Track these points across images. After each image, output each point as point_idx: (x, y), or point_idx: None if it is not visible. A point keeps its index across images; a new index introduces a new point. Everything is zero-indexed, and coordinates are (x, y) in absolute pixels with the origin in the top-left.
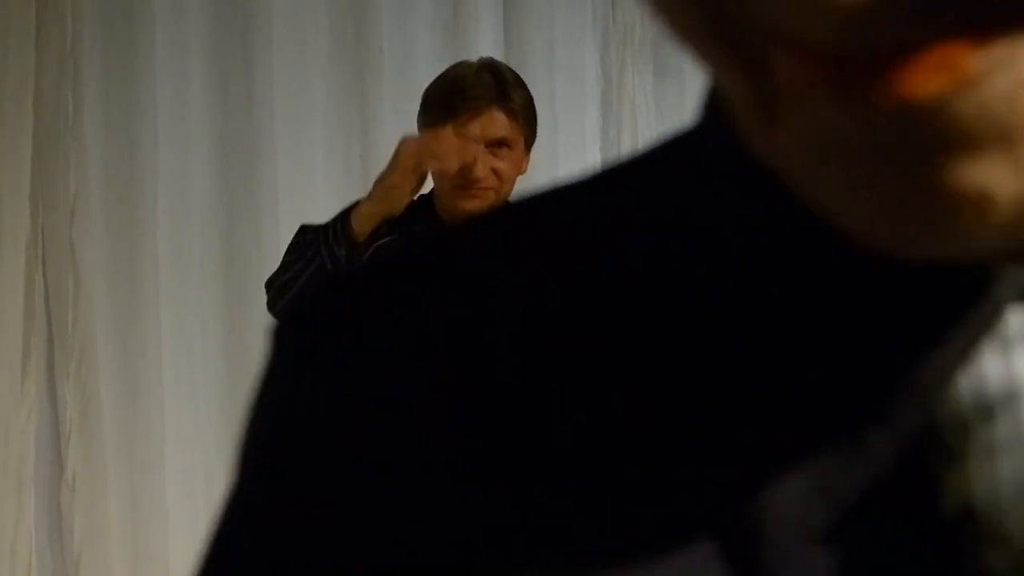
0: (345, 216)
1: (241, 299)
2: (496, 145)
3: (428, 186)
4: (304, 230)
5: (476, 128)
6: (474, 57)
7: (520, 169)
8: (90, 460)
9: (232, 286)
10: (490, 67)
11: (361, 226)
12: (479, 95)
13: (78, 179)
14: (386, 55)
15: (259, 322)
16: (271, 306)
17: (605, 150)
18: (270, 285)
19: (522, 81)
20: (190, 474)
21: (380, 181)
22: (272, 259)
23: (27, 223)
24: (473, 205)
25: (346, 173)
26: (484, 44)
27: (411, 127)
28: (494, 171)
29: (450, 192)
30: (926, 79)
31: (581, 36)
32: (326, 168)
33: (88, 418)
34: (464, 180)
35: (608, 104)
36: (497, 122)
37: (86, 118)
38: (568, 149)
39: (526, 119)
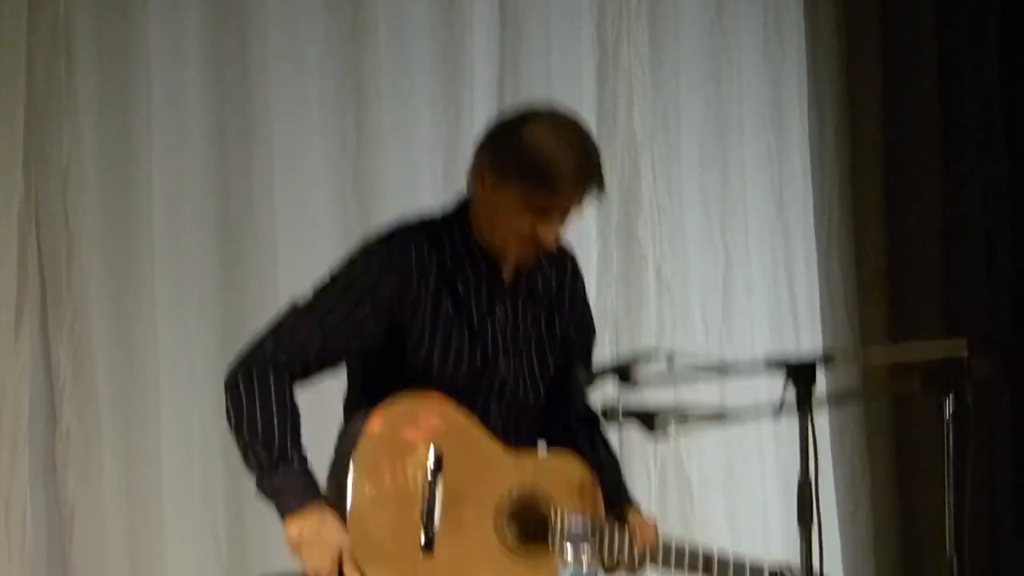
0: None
1: (236, 258)
2: (566, 215)
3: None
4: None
5: (562, 205)
6: (470, 32)
7: None
8: (84, 415)
9: (227, 246)
10: (590, 154)
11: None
12: (577, 185)
13: (71, 144)
14: (380, 26)
15: (254, 281)
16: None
17: (600, 120)
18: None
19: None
20: (184, 428)
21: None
22: (265, 220)
23: (20, 186)
24: (529, 261)
25: (340, 116)
26: (480, 15)
27: (403, 97)
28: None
29: (512, 249)
30: None
31: (577, 6)
32: (321, 123)
33: (82, 376)
34: (532, 245)
35: (604, 75)
36: (582, 199)
37: (79, 84)
38: None
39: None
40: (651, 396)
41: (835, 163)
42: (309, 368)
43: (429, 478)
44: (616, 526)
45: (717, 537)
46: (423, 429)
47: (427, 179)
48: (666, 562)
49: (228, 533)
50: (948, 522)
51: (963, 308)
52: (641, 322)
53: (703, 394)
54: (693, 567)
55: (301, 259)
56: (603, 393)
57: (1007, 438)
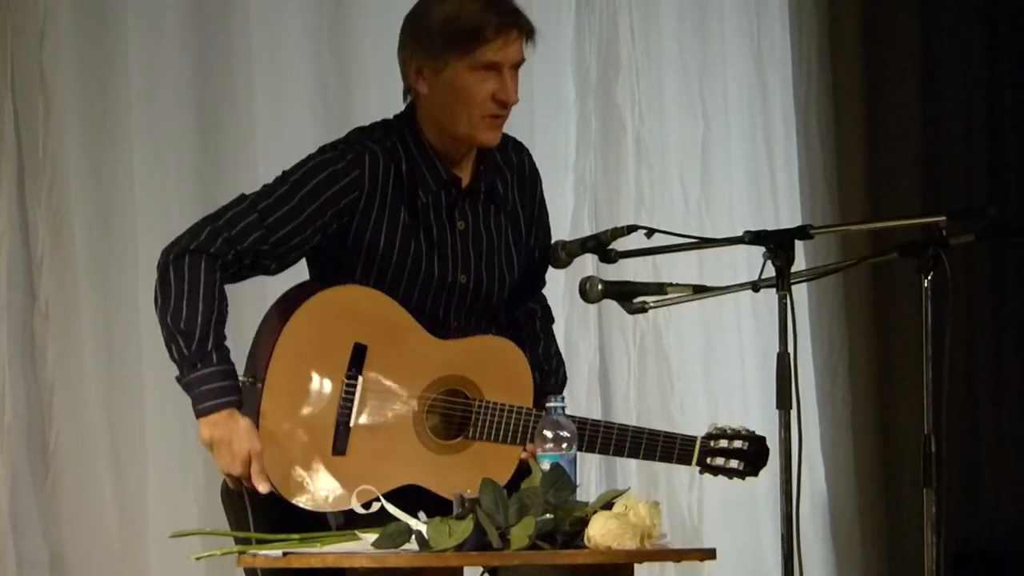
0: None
1: (213, 119)
2: (514, 69)
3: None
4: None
5: (511, 52)
6: None
7: None
8: (63, 287)
9: (204, 106)
10: None
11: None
12: (506, 19)
13: (47, 5)
14: None
15: (231, 141)
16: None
17: (579, 70)
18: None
19: None
20: None
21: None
22: (243, 78)
23: None
24: (493, 137)
25: None
26: None
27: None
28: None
29: (478, 123)
30: None
31: None
32: None
33: (60, 244)
34: (498, 108)
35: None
36: (519, 44)
37: None
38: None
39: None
40: (629, 270)
41: (813, 18)
42: (242, 260)
43: (345, 378)
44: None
45: (695, 412)
46: (346, 324)
47: None
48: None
49: None
50: (926, 396)
51: (942, 176)
52: (620, 189)
53: (681, 267)
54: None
55: (278, 119)
56: (581, 267)
57: (987, 310)
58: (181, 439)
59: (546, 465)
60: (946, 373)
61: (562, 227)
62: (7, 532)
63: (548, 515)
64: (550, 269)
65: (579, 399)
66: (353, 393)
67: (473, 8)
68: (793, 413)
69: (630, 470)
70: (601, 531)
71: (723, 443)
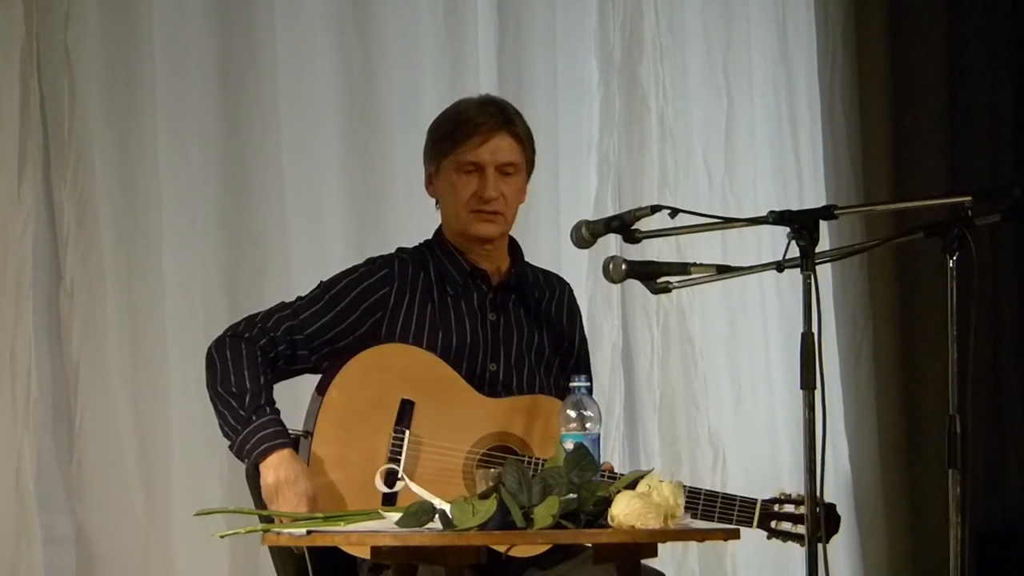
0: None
1: (237, 101)
2: (503, 172)
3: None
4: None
5: (486, 153)
6: None
7: (521, 198)
8: (88, 266)
9: (229, 88)
10: (492, 100)
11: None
12: (486, 122)
13: None
14: None
15: (256, 122)
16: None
17: (603, 50)
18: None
19: (520, 113)
20: (188, 277)
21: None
22: (267, 62)
23: (21, 27)
24: (487, 229)
25: None
26: None
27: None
28: (503, 196)
29: (466, 218)
30: None
31: None
32: None
33: (85, 224)
34: (479, 204)
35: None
36: (504, 147)
37: None
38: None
39: (528, 145)
40: (653, 250)
41: (839, 1)
42: (276, 346)
43: (393, 432)
44: None
45: (719, 392)
46: (394, 379)
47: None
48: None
49: None
50: (951, 376)
51: (967, 156)
52: (644, 169)
53: (705, 248)
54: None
55: (302, 98)
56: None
57: (1012, 291)
58: (205, 417)
59: (569, 445)
60: (971, 354)
61: (586, 207)
62: (33, 510)
63: (572, 495)
64: (573, 249)
65: (602, 380)
66: (401, 447)
67: (460, 112)
68: (817, 393)
69: (653, 450)
70: (625, 511)
71: (789, 508)
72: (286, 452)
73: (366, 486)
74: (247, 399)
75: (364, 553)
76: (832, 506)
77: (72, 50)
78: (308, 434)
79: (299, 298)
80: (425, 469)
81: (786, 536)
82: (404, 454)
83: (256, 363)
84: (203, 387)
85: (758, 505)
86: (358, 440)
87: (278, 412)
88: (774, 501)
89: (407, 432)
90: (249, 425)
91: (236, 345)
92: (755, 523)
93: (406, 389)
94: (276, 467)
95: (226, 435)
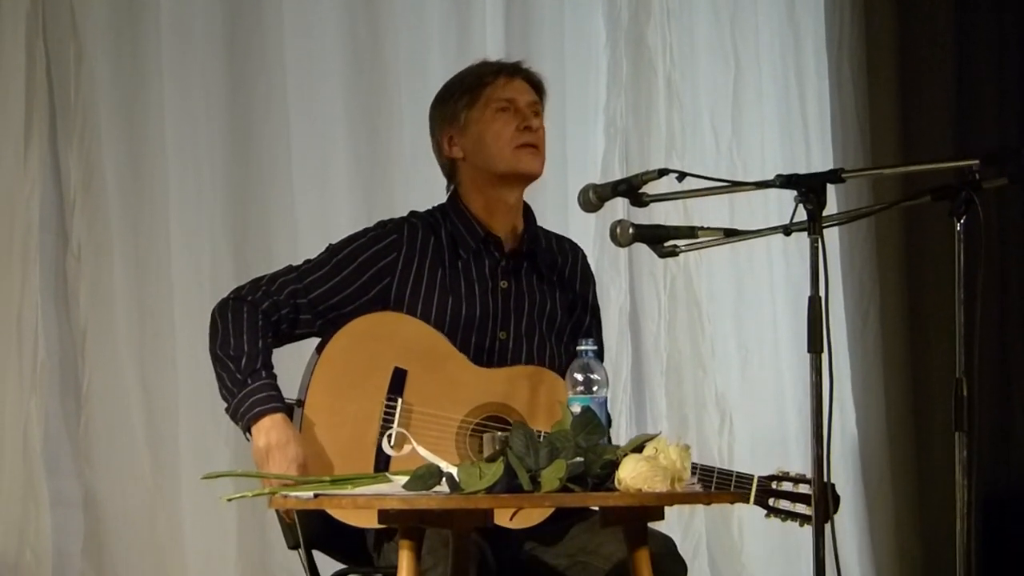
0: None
1: (243, 64)
2: (532, 111)
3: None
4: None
5: (515, 91)
6: None
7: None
8: (95, 230)
9: (235, 51)
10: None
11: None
12: (505, 66)
13: None
14: None
15: (262, 84)
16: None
17: (610, 13)
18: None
19: None
20: (195, 240)
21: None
22: (273, 25)
23: None
24: (534, 164)
25: None
26: None
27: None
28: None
29: (512, 156)
30: None
31: None
32: None
33: (92, 188)
34: (524, 137)
35: None
36: (526, 88)
37: None
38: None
39: (543, 95)
40: (660, 214)
41: None
42: (279, 309)
43: (385, 400)
44: None
45: (726, 356)
46: (386, 348)
47: None
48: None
49: None
50: (958, 340)
51: (974, 119)
52: (651, 132)
53: (712, 211)
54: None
55: (309, 61)
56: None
57: (1019, 254)
58: (212, 380)
59: (576, 408)
60: (978, 317)
61: (593, 170)
62: (40, 473)
63: (579, 458)
64: (580, 212)
65: (610, 343)
66: (393, 415)
67: (474, 67)
68: (824, 357)
69: (660, 414)
70: (632, 474)
71: (787, 486)
72: (278, 416)
73: (356, 454)
74: (243, 362)
75: (370, 520)
76: (832, 485)
77: (78, 14)
78: (300, 402)
79: (306, 262)
80: (417, 438)
81: (785, 515)
82: (396, 422)
83: (256, 327)
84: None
85: (755, 481)
86: (350, 408)
87: (274, 377)
88: (772, 478)
89: (400, 400)
90: (244, 388)
91: (238, 308)
92: (751, 499)
93: (399, 358)
94: (267, 431)
95: (223, 398)
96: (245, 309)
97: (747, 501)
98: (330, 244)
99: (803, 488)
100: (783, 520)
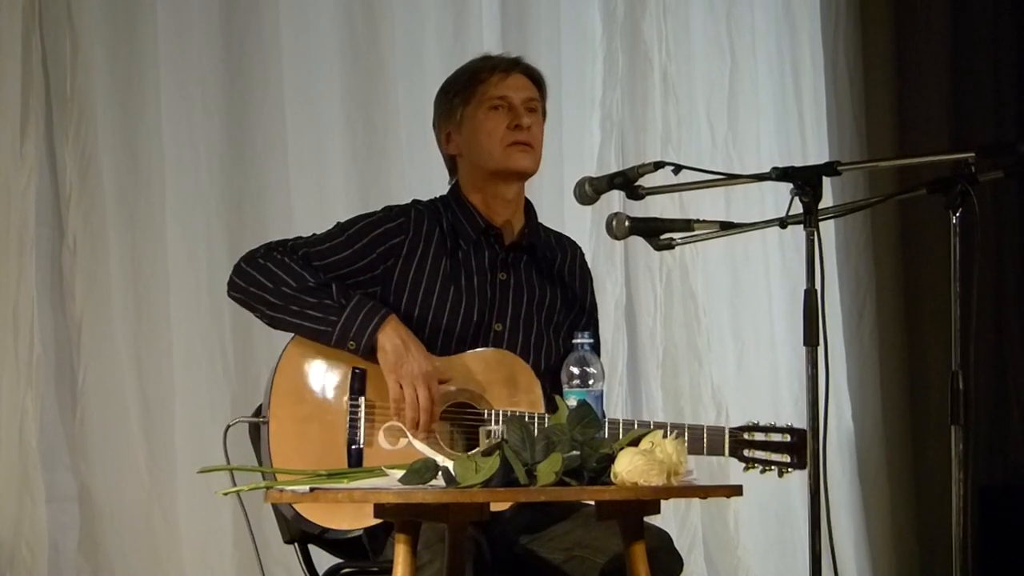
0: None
1: (240, 54)
2: (528, 108)
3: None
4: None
5: (510, 88)
6: None
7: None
8: (91, 223)
9: (231, 41)
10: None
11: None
12: (503, 61)
13: None
14: None
15: (258, 75)
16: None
17: (606, 6)
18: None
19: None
20: (191, 232)
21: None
22: (270, 16)
23: None
24: (525, 162)
25: None
26: None
27: None
28: (532, 129)
29: (502, 154)
30: None
31: None
32: None
33: (88, 181)
34: (514, 135)
35: None
36: (524, 84)
37: None
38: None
39: (543, 89)
40: (656, 207)
41: None
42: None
43: (349, 402)
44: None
45: (722, 348)
46: (340, 351)
47: None
48: None
49: (234, 343)
50: (953, 333)
51: (970, 112)
52: (647, 125)
53: (708, 204)
54: None
55: (305, 52)
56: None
57: (1015, 247)
58: (209, 374)
59: (572, 401)
60: (974, 310)
61: (588, 163)
62: (36, 466)
63: (575, 452)
64: (576, 205)
65: (606, 336)
66: (358, 416)
67: (473, 63)
68: (820, 350)
69: (656, 406)
70: (628, 467)
71: (759, 436)
72: (395, 317)
73: (329, 459)
74: (332, 288)
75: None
76: (803, 432)
77: (74, 6)
78: (265, 420)
79: (314, 234)
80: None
81: (763, 465)
82: (362, 422)
83: (307, 265)
84: (206, 343)
85: (726, 432)
86: (315, 415)
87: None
88: (743, 429)
89: (362, 399)
90: (346, 308)
91: (270, 256)
92: (726, 451)
93: (355, 358)
94: (395, 330)
95: (317, 333)
96: (276, 255)
97: (740, 494)
98: (339, 221)
99: (775, 436)
100: (761, 471)
